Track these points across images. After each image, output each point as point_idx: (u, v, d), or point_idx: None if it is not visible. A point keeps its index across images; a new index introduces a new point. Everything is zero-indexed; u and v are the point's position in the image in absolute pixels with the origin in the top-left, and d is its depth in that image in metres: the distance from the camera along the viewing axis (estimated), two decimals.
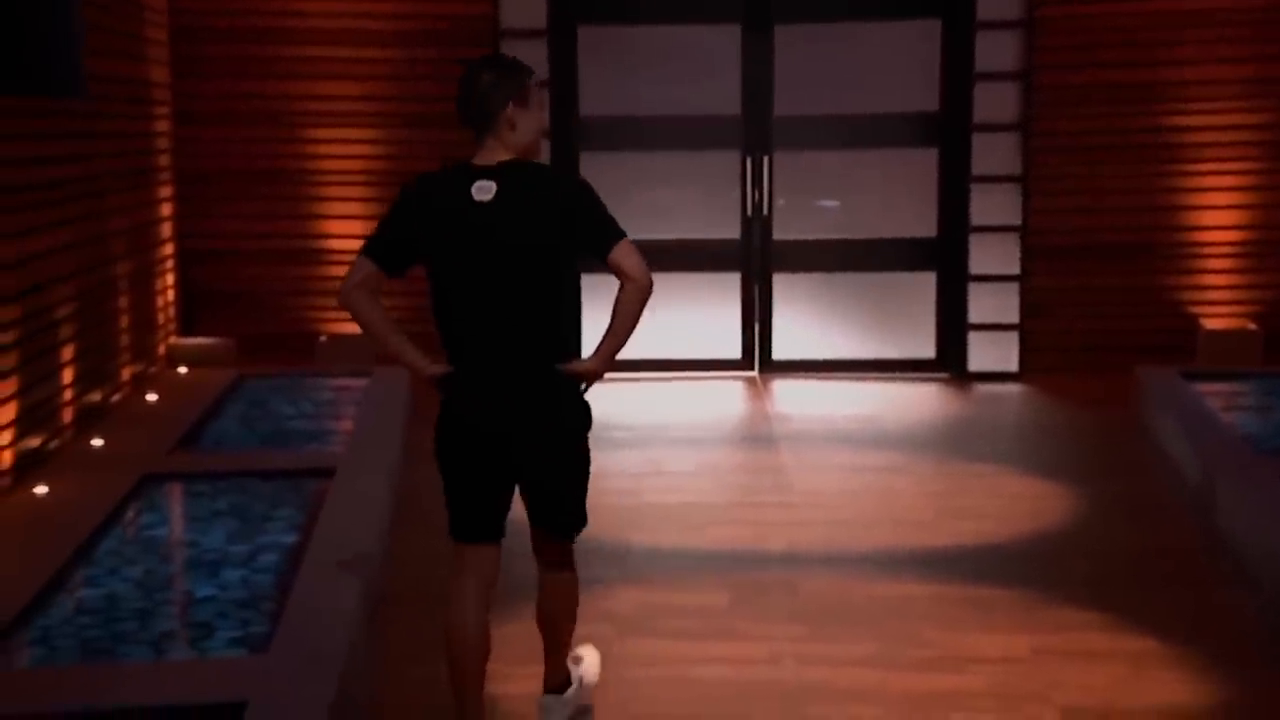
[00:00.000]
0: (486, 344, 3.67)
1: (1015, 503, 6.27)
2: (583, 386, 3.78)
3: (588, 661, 4.25)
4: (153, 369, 8.47)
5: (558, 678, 4.07)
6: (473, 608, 3.78)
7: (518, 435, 3.71)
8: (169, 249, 8.91)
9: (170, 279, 8.92)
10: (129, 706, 3.72)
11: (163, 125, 8.79)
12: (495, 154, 3.69)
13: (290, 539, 5.27)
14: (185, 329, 9.08)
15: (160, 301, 8.71)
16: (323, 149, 9.00)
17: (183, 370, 8.62)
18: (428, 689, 4.31)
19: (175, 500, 5.99)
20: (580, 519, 3.92)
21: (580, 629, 4.66)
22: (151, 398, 7.80)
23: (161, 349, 8.71)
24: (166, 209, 8.87)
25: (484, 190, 3.62)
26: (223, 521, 5.53)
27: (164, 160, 8.81)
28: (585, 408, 3.81)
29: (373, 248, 3.75)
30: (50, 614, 4.52)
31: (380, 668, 4.48)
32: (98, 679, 4.03)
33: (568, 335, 3.75)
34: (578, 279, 3.77)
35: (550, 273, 3.66)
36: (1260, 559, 5.07)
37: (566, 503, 3.86)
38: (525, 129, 3.70)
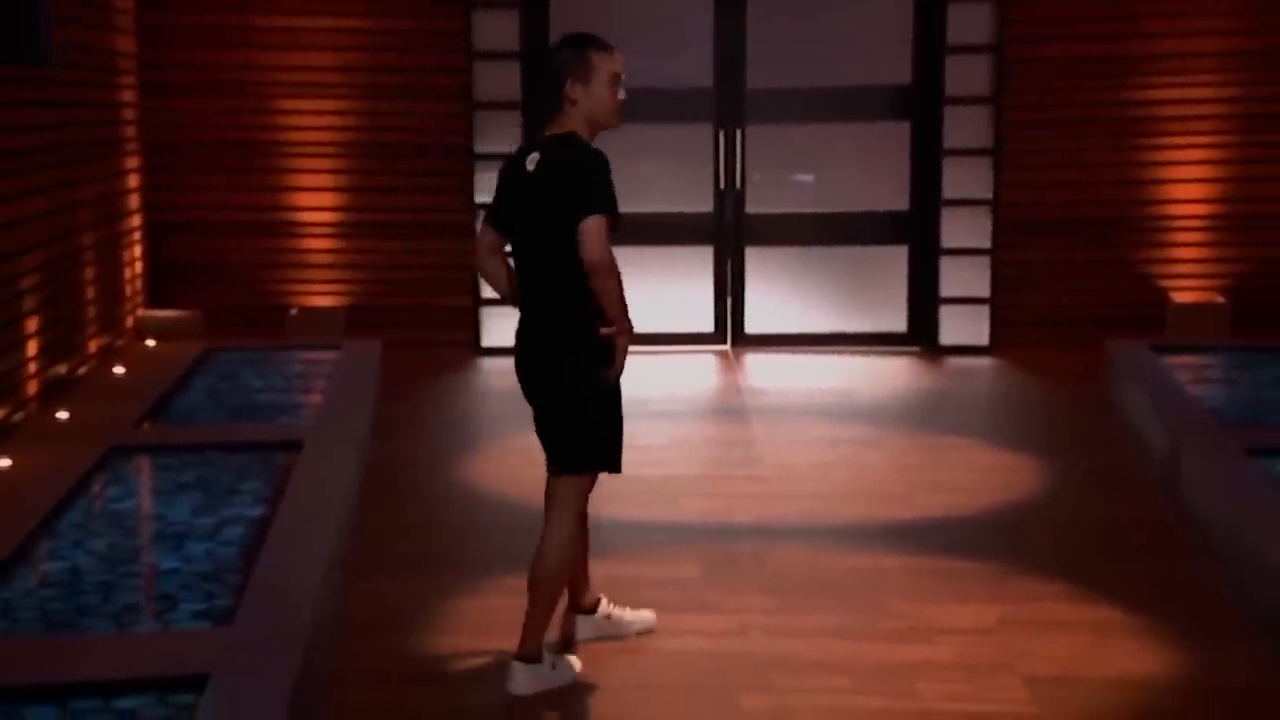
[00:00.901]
0: (525, 298, 4.15)
1: (985, 475, 6.31)
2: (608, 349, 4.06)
3: (629, 617, 4.45)
4: (120, 341, 8.44)
5: (527, 644, 4.11)
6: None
7: (528, 381, 4.19)
8: (137, 220, 8.87)
9: (138, 250, 8.89)
10: (92, 680, 3.72)
11: (129, 95, 8.73)
12: (560, 127, 4.07)
13: (257, 512, 5.26)
14: (153, 301, 9.04)
15: (128, 273, 8.67)
16: (293, 120, 8.97)
17: (150, 343, 8.59)
18: (394, 659, 4.34)
19: (141, 473, 5.98)
20: (571, 457, 4.14)
21: None
22: (118, 370, 7.76)
23: (129, 321, 8.68)
24: (134, 180, 8.82)
25: (532, 161, 4.04)
26: (189, 494, 5.52)
27: (131, 131, 8.76)
28: (588, 364, 4.04)
29: (487, 213, 4.25)
30: (12, 587, 4.50)
31: (349, 639, 4.48)
32: (60, 652, 4.02)
33: (582, 294, 3.98)
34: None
35: (565, 236, 3.93)
36: (1224, 531, 5.12)
37: (560, 443, 4.15)
38: (586, 103, 4.03)
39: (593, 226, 3.89)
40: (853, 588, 4.89)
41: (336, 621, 4.56)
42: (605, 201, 3.92)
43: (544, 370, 4.11)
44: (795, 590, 4.88)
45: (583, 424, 4.10)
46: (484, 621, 4.63)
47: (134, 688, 3.69)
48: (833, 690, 4.09)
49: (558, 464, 4.17)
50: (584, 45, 4.06)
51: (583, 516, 4.27)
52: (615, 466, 4.16)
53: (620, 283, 3.99)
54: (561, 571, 4.16)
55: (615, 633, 4.44)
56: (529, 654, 4.10)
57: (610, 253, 3.95)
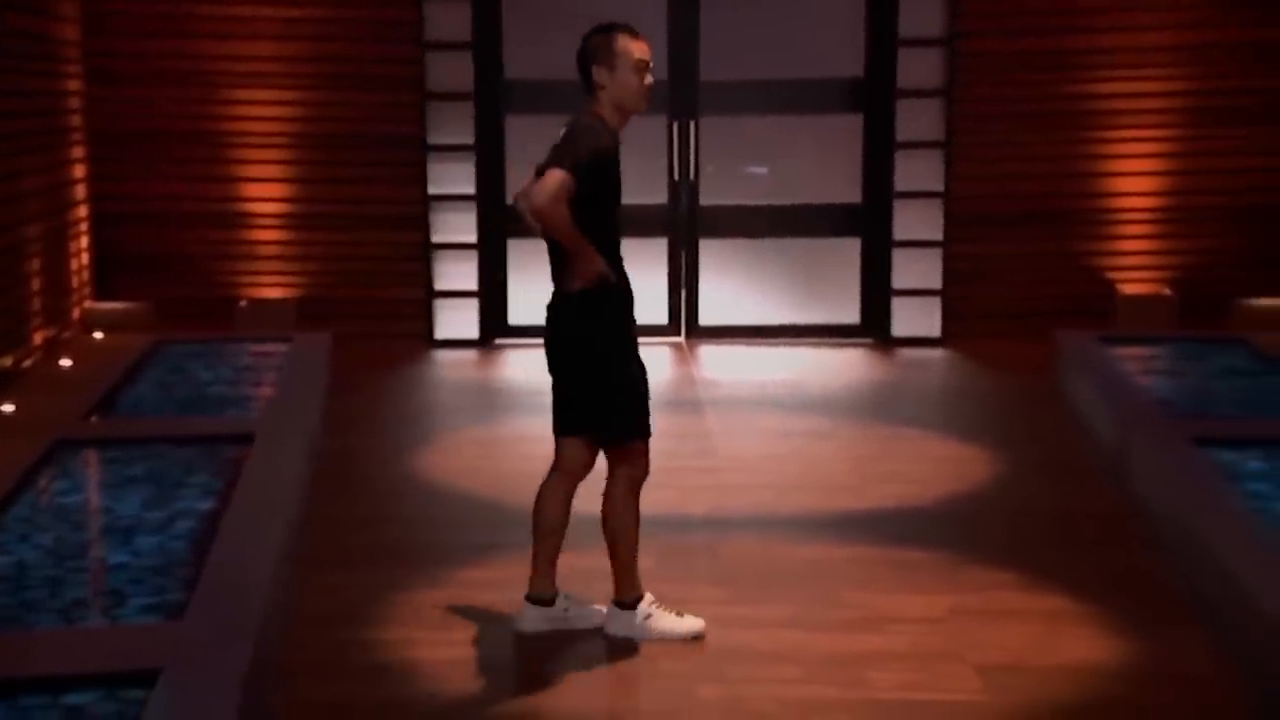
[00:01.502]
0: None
1: (937, 466, 6.38)
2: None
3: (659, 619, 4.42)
4: (66, 333, 8.42)
5: (619, 591, 4.39)
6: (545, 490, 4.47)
7: (545, 348, 4.42)
8: (83, 211, 8.83)
9: (84, 242, 8.85)
10: (40, 675, 3.69)
11: (74, 84, 8.69)
12: (590, 108, 4.26)
13: (207, 505, 5.23)
14: (100, 293, 9.01)
15: (74, 265, 8.64)
16: (242, 110, 8.95)
17: (98, 335, 8.58)
18: (354, 651, 4.35)
19: (89, 466, 5.93)
20: (588, 418, 4.33)
21: (502, 595, 4.75)
22: (65, 363, 7.75)
23: (76, 313, 8.66)
24: (80, 170, 8.78)
25: (558, 137, 4.25)
26: (138, 488, 5.48)
27: (76, 120, 8.72)
28: (581, 320, 4.26)
29: None
30: None
31: (301, 632, 4.48)
32: (6, 648, 3.97)
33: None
34: (595, 206, 4.16)
35: None
36: (1169, 521, 5.20)
37: (575, 404, 4.34)
38: (613, 89, 4.22)
39: (548, 177, 4.06)
40: (805, 578, 4.93)
41: (288, 615, 4.56)
42: (572, 160, 4.06)
43: (547, 333, 4.35)
44: (748, 581, 4.91)
45: (589, 380, 4.29)
46: (437, 615, 4.64)
47: (83, 683, 3.64)
48: (785, 680, 4.12)
49: (578, 429, 4.36)
50: (611, 31, 4.25)
51: (636, 485, 4.39)
52: (643, 432, 4.33)
53: (573, 228, 4.10)
54: (621, 529, 4.38)
55: (568, 626, 4.46)
56: (621, 599, 4.41)
57: (561, 202, 4.05)
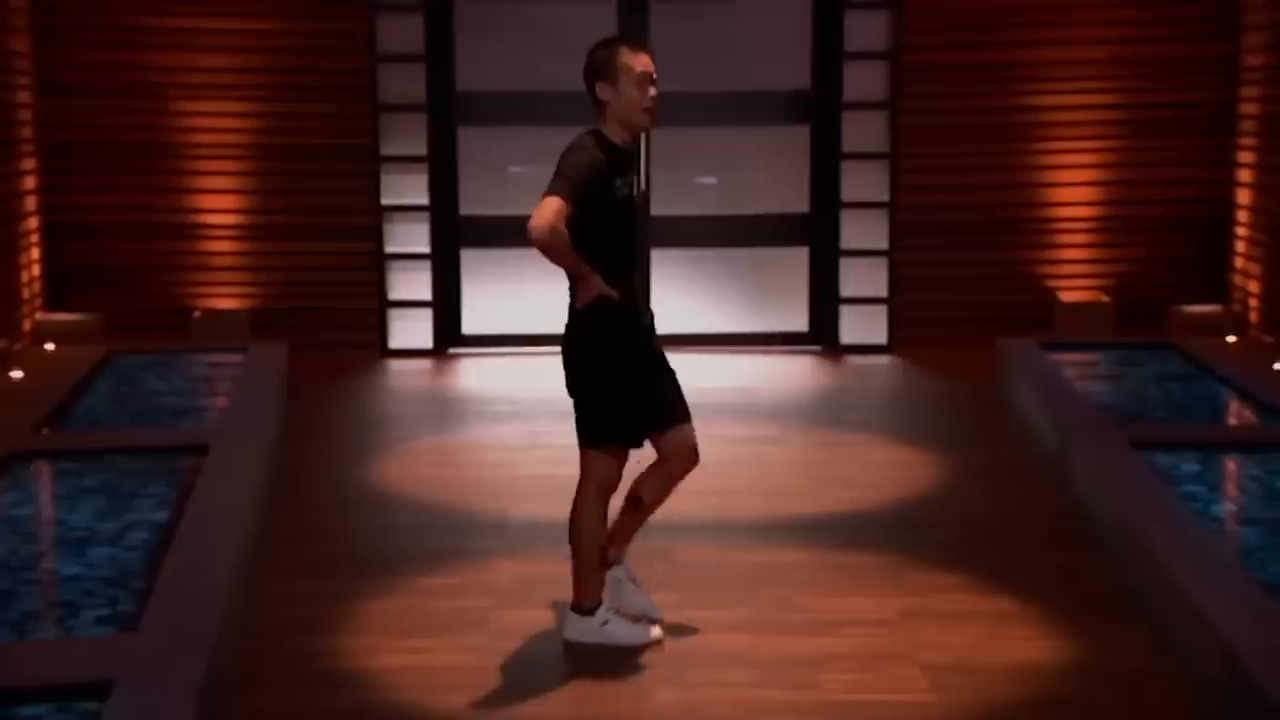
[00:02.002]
0: None
1: (885, 471, 6.48)
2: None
3: (616, 626, 4.46)
4: (18, 345, 8.36)
5: (578, 595, 4.45)
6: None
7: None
8: (34, 223, 8.79)
9: (36, 253, 8.80)
10: None
11: (25, 96, 8.65)
12: (596, 124, 4.33)
13: (161, 516, 5.23)
14: (52, 304, 8.97)
15: (25, 276, 8.59)
16: (195, 121, 8.94)
17: (50, 347, 8.52)
18: (311, 660, 4.37)
19: (41, 478, 5.92)
20: (587, 429, 4.41)
21: (458, 603, 4.82)
22: (16, 374, 7.70)
23: (27, 325, 8.61)
24: (30, 181, 8.74)
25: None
26: (91, 499, 5.47)
27: (27, 132, 8.68)
28: (583, 334, 4.36)
29: None
30: None
31: (258, 642, 4.50)
32: None
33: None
34: (594, 227, 4.23)
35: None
36: (1108, 522, 5.33)
37: (577, 411, 4.43)
38: (616, 104, 4.27)
39: (543, 206, 4.13)
40: (757, 582, 5.00)
41: (244, 624, 4.57)
42: (564, 186, 4.14)
43: (562, 349, 4.44)
44: (701, 586, 4.98)
45: (585, 390, 4.38)
46: (394, 623, 4.67)
47: (36, 696, 3.63)
48: (739, 684, 4.19)
49: (578, 435, 4.45)
50: (614, 45, 4.29)
51: (604, 492, 4.45)
52: (618, 437, 4.39)
53: (570, 251, 4.19)
54: (580, 534, 4.42)
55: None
56: (581, 606, 4.43)
57: (558, 229, 4.12)
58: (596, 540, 4.44)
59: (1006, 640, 4.49)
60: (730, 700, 4.08)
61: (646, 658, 4.38)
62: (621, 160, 4.30)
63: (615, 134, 4.29)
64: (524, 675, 4.28)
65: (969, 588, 4.95)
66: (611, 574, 4.52)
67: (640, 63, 4.23)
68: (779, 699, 4.08)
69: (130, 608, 4.32)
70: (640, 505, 4.53)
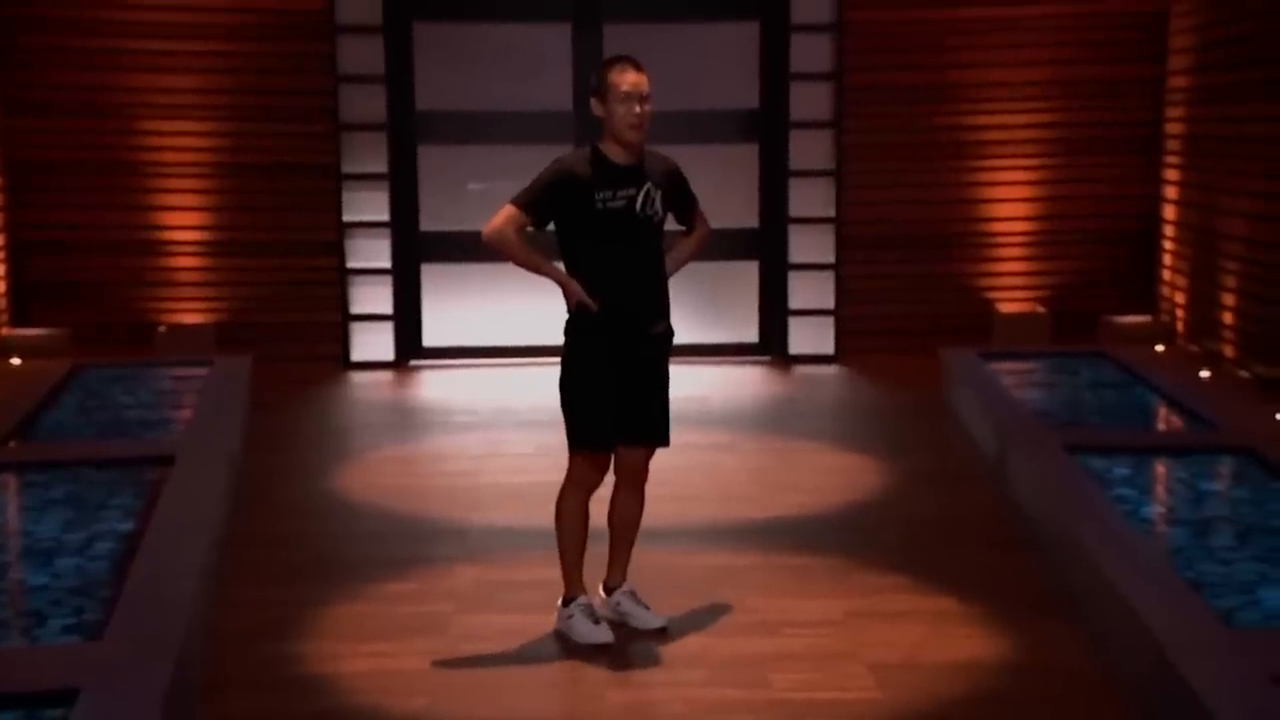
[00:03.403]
0: None
1: (832, 476, 6.61)
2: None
3: (578, 622, 4.62)
4: None
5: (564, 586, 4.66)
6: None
7: None
8: (1, 239, 8.80)
9: (2, 269, 8.82)
10: None
11: None
12: (597, 139, 4.52)
13: (127, 526, 5.27)
14: (18, 319, 8.99)
15: None
16: (157, 140, 9.00)
17: (16, 361, 8.55)
18: (277, 665, 4.44)
19: (7, 490, 5.94)
20: (566, 429, 4.61)
21: (421, 607, 4.91)
22: None
23: None
24: None
25: None
26: (58, 510, 5.50)
27: None
28: (566, 336, 4.57)
29: None
30: None
31: (223, 648, 4.55)
32: None
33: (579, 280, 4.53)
34: (572, 239, 4.52)
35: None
36: (1045, 524, 5.51)
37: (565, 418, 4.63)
38: (606, 120, 4.45)
39: (500, 210, 4.46)
40: (708, 585, 5.10)
41: (210, 631, 4.62)
42: (520, 192, 4.47)
43: None
44: (654, 589, 4.99)
45: (563, 394, 4.58)
46: (357, 628, 4.74)
47: (2, 704, 3.64)
48: (691, 683, 4.28)
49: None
50: (607, 64, 4.47)
51: (578, 489, 4.63)
52: (584, 441, 4.57)
53: (523, 252, 4.49)
54: (558, 529, 4.66)
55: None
56: (564, 596, 4.65)
57: (504, 232, 4.45)
58: (572, 535, 4.62)
59: (949, 639, 4.61)
60: (684, 699, 4.17)
61: (603, 658, 4.48)
62: (615, 174, 4.44)
63: (610, 149, 4.45)
64: (484, 677, 4.37)
65: (913, 588, 5.07)
66: (611, 600, 4.73)
67: (626, 81, 4.38)
68: (731, 697, 4.17)
69: (96, 616, 4.34)
70: (611, 525, 4.75)
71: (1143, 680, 4.14)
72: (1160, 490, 5.97)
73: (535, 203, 4.45)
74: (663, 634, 4.63)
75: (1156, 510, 5.62)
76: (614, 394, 4.52)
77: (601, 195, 4.42)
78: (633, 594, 4.74)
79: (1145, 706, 4.07)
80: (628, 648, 4.58)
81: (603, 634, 4.58)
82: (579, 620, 4.60)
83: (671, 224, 4.76)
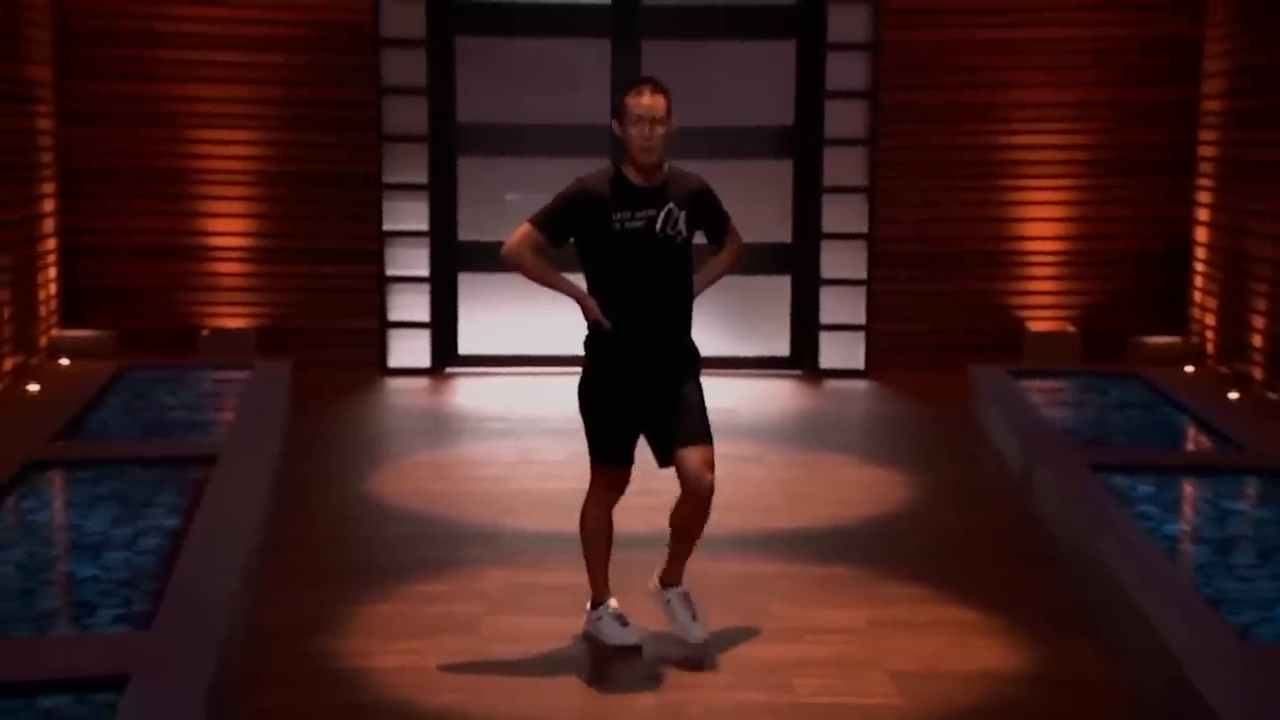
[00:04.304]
0: None
1: (858, 489, 6.66)
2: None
3: (606, 624, 4.73)
4: (34, 360, 8.55)
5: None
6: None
7: None
8: (52, 244, 8.98)
9: (53, 273, 8.98)
10: (14, 680, 3.82)
11: (46, 123, 8.85)
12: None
13: (172, 523, 5.40)
14: (68, 322, 9.14)
15: (43, 294, 8.77)
16: (204, 149, 9.14)
17: (64, 362, 8.70)
18: (312, 661, 4.55)
19: (57, 487, 6.08)
20: (587, 444, 4.71)
21: (452, 608, 5.02)
22: (33, 388, 7.89)
23: (43, 341, 8.79)
24: (49, 205, 8.93)
25: None
26: (105, 507, 5.64)
27: (47, 157, 8.88)
28: (584, 352, 4.67)
29: None
30: None
31: (262, 644, 4.67)
32: None
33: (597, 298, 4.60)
34: (591, 258, 4.58)
35: None
36: (1067, 540, 5.57)
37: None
38: (624, 141, 4.52)
39: (515, 229, 4.56)
40: (735, 592, 5.17)
41: (249, 628, 4.73)
42: (538, 211, 4.55)
43: None
44: None
45: (581, 412, 4.69)
46: (390, 626, 4.84)
47: (56, 688, 3.78)
48: (716, 686, 4.37)
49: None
50: (626, 87, 4.53)
51: (601, 501, 4.73)
52: (599, 456, 4.67)
53: (538, 270, 4.57)
54: (582, 537, 4.78)
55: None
56: (591, 600, 4.78)
57: (519, 250, 4.55)
58: (595, 544, 4.74)
59: (969, 649, 4.68)
60: (707, 701, 4.26)
61: (630, 661, 4.58)
62: (634, 195, 4.48)
63: (630, 170, 4.50)
64: (512, 676, 4.46)
65: (935, 599, 5.13)
66: (663, 594, 4.80)
67: (638, 104, 4.42)
68: (754, 701, 4.25)
69: (144, 607, 4.50)
70: (670, 525, 4.76)
71: (1159, 694, 4.20)
72: (1183, 509, 6.01)
73: (551, 221, 4.51)
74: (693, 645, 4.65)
75: (1178, 528, 5.65)
76: (627, 413, 4.57)
77: (620, 216, 4.46)
78: (685, 597, 4.76)
79: (1160, 719, 4.13)
80: (653, 651, 4.66)
81: (630, 636, 4.67)
82: (607, 623, 4.70)
83: (703, 241, 4.82)
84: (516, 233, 4.57)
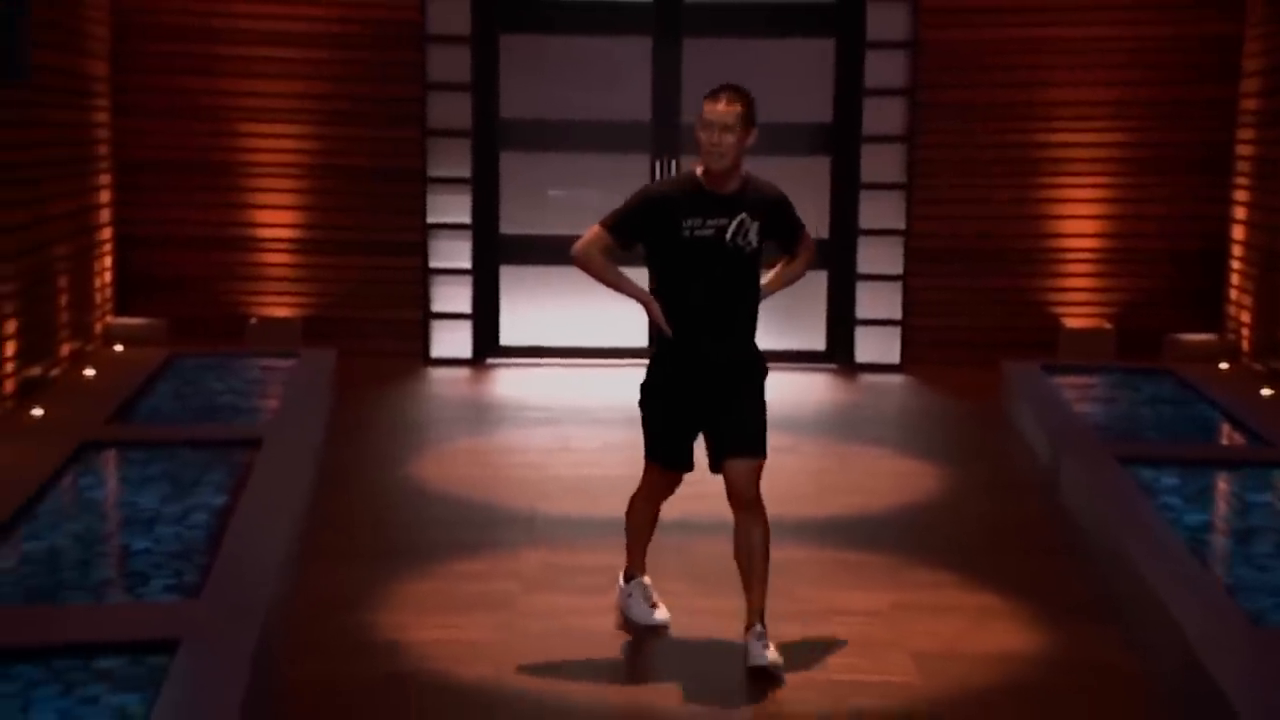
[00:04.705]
0: None
1: (889, 480, 6.75)
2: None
3: (634, 602, 4.85)
4: (90, 346, 8.74)
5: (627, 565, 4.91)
6: None
7: None
8: (107, 234, 9.18)
9: (108, 262, 9.19)
10: (72, 642, 4.01)
11: (102, 116, 9.06)
12: None
13: (220, 501, 5.57)
14: (121, 310, 9.35)
15: (98, 283, 8.97)
16: (254, 142, 9.32)
17: (118, 348, 8.90)
18: (352, 633, 4.71)
19: (111, 465, 6.28)
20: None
21: (488, 586, 5.16)
22: (89, 373, 8.08)
23: (98, 328, 8.98)
24: (105, 196, 9.13)
25: None
26: (156, 485, 5.82)
27: (103, 150, 9.08)
28: (651, 354, 4.68)
29: None
30: None
31: (303, 617, 4.82)
32: (42, 619, 4.33)
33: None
34: (658, 263, 4.53)
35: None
36: (1092, 530, 5.66)
37: None
38: (697, 146, 4.46)
39: (587, 230, 4.57)
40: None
41: (291, 602, 4.88)
42: (609, 214, 4.55)
43: None
44: (712, 577, 5.24)
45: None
46: (427, 602, 4.99)
47: (111, 650, 3.97)
48: (740, 662, 4.44)
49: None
50: (704, 97, 4.47)
51: (651, 494, 4.79)
52: (650, 454, 4.69)
53: (605, 272, 4.54)
54: (627, 520, 4.87)
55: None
56: (625, 573, 4.88)
57: (589, 251, 4.54)
58: (637, 528, 4.85)
59: (989, 633, 4.77)
60: (733, 676, 4.36)
61: (656, 638, 4.73)
62: (707, 202, 4.41)
63: (705, 177, 4.44)
64: (544, 650, 4.60)
65: (959, 585, 5.23)
66: (751, 631, 4.53)
67: (707, 110, 4.39)
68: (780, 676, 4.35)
69: (193, 578, 4.68)
70: (738, 563, 4.63)
71: (1172, 676, 4.28)
72: (1206, 500, 6.05)
73: (621, 225, 4.49)
74: (761, 670, 4.42)
75: (1200, 519, 5.70)
76: (683, 416, 4.55)
77: (690, 223, 4.39)
78: (761, 634, 4.47)
79: (1173, 702, 4.21)
80: (681, 627, 4.79)
81: (657, 616, 4.77)
82: (636, 600, 4.81)
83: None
84: (587, 234, 4.56)
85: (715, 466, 4.59)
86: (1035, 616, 4.94)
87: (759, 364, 4.64)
